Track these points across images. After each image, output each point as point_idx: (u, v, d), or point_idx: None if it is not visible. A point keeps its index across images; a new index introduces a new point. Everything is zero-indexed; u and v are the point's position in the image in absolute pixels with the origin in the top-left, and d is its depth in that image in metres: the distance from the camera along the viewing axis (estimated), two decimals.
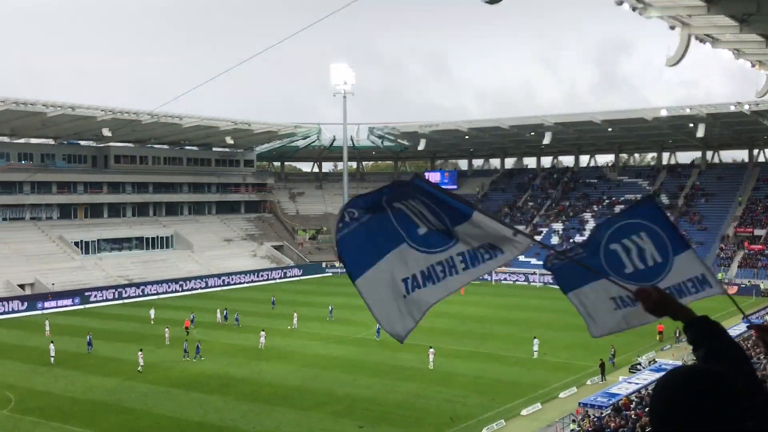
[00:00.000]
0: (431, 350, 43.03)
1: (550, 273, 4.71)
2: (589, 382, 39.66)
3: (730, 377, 2.44)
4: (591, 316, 4.58)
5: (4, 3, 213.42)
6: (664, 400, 2.38)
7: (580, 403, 34.24)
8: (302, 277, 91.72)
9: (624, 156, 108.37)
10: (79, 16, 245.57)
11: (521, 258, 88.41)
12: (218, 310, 61.30)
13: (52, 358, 45.31)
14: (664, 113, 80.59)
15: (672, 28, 39.18)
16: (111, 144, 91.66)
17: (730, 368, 2.70)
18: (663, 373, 2.55)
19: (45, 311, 66.02)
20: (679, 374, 2.44)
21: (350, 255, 4.29)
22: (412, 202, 4.14)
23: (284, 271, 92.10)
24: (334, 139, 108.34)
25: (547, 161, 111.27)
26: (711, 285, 4.34)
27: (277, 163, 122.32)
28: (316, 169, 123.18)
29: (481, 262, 4.24)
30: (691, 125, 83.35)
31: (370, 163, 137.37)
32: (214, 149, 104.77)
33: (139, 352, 44.13)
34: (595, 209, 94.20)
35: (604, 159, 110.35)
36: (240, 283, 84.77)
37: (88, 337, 50.04)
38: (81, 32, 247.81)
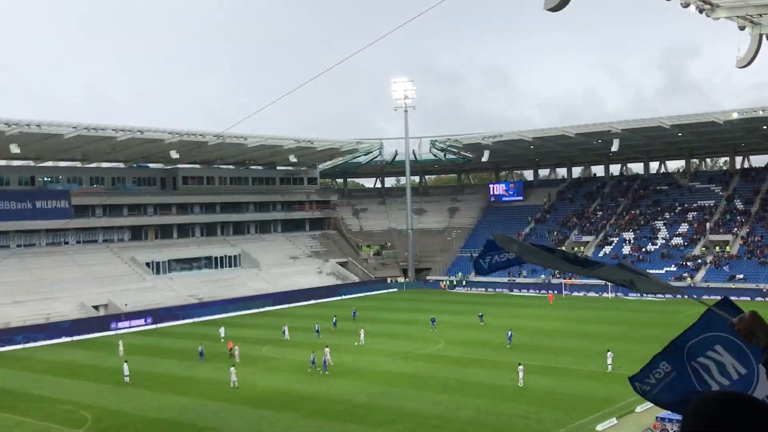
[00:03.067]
0: (520, 367, 42.11)
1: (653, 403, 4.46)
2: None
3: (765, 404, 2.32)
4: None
5: (69, 30, 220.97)
6: (701, 425, 2.27)
7: (657, 418, 33.06)
8: (368, 293, 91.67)
9: (695, 161, 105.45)
10: (140, 39, 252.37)
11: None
12: (284, 327, 61.55)
13: (127, 378, 46.08)
14: (735, 116, 78.14)
15: (742, 28, 37.91)
16: (179, 166, 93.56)
17: None
18: (697, 397, 2.44)
19: (118, 331, 67.44)
20: (715, 399, 2.34)
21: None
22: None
23: (349, 287, 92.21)
24: (396, 154, 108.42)
25: (615, 169, 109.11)
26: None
27: (339, 180, 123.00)
28: (378, 185, 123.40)
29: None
30: (765, 127, 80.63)
31: (433, 176, 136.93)
32: (278, 168, 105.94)
33: (232, 369, 44.59)
34: (667, 217, 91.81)
35: (675, 165, 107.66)
36: (306, 300, 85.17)
37: (199, 348, 53.06)
38: (142, 56, 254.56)
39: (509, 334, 54.57)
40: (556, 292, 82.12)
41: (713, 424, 2.24)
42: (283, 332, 61.25)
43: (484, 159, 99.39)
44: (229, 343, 55.06)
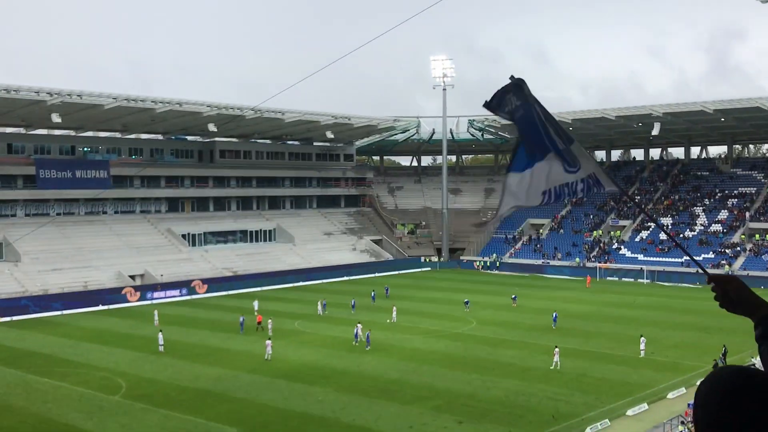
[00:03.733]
0: (556, 350, 41.91)
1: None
2: (698, 383, 37.87)
3: None
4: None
5: (111, 1, 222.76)
6: (714, 401, 2.24)
7: (689, 405, 32.74)
8: (401, 272, 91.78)
9: (737, 147, 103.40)
10: (180, 11, 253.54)
11: (628, 254, 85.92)
12: (319, 302, 61.91)
13: (161, 347, 46.76)
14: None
15: None
16: (216, 139, 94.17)
17: None
18: (711, 372, 2.38)
19: (154, 301, 68.42)
20: (730, 374, 2.29)
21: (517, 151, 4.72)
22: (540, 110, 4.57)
23: (383, 264, 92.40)
24: (433, 133, 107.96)
25: (655, 153, 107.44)
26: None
27: (376, 157, 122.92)
28: (414, 163, 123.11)
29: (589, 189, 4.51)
30: None
31: (470, 156, 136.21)
32: (314, 144, 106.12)
33: (268, 342, 45.07)
34: (707, 203, 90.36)
35: (717, 150, 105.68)
36: (340, 276, 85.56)
37: (240, 319, 54.28)
38: (182, 29, 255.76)
39: (554, 315, 54.51)
40: (590, 276, 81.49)
41: (726, 398, 2.22)
42: (323, 305, 61.59)
43: None
44: (258, 317, 55.45)
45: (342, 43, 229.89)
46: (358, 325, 50.14)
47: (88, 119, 78.84)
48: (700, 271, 60.23)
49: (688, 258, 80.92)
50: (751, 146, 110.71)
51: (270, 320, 53.35)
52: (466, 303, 62.26)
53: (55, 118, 70.94)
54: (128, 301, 68.23)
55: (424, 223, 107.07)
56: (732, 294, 2.95)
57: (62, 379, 40.39)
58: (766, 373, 2.32)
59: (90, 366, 43.37)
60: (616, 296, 69.17)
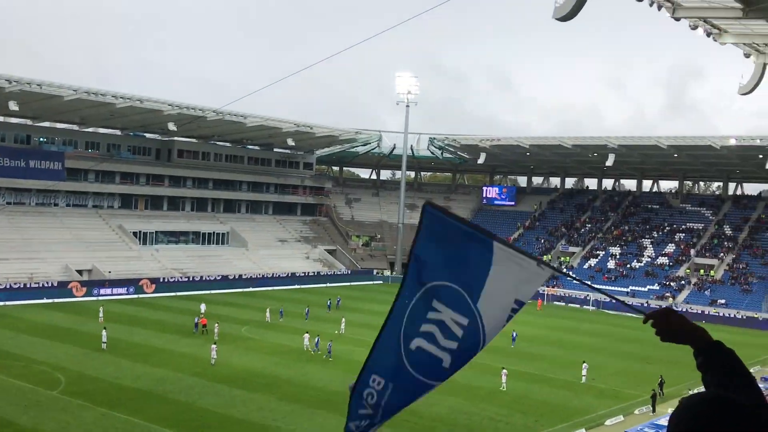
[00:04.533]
0: (504, 371, 42.24)
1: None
2: (637, 412, 38.71)
3: (745, 405, 2.36)
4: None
5: None
6: (688, 427, 2.29)
7: None
8: (353, 283, 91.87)
9: (688, 183, 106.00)
10: (147, 9, 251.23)
11: (573, 281, 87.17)
12: (268, 309, 61.71)
13: (104, 344, 46.17)
14: (733, 142, 78.63)
15: (747, 56, 38.22)
16: (175, 138, 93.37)
17: (742, 397, 2.59)
18: (682, 398, 2.46)
19: (100, 298, 67.47)
20: (701, 401, 2.35)
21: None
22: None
23: (335, 275, 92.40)
24: (393, 147, 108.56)
25: (608, 183, 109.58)
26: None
27: (335, 168, 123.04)
28: (373, 176, 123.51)
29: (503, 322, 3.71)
30: (761, 156, 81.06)
31: (429, 173, 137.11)
32: (275, 150, 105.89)
33: (213, 346, 44.68)
34: (655, 236, 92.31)
35: (668, 185, 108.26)
36: (291, 284, 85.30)
37: (195, 319, 54.49)
38: (149, 27, 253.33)
39: (513, 335, 55.18)
40: (541, 299, 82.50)
41: (699, 424, 2.28)
42: (280, 313, 62.04)
43: (480, 161, 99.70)
44: (203, 320, 54.98)
45: (310, 52, 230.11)
46: (306, 334, 50.13)
47: (46, 110, 77.61)
48: (639, 307, 60.80)
49: (633, 288, 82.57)
50: (702, 183, 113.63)
51: (217, 324, 52.98)
52: None
53: (12, 106, 69.76)
54: (74, 296, 67.16)
55: (379, 236, 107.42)
56: (673, 326, 3.03)
57: (0, 370, 39.61)
58: (739, 401, 2.40)
59: (30, 359, 42.63)
60: (562, 321, 70.15)
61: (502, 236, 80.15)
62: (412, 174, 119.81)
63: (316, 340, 49.35)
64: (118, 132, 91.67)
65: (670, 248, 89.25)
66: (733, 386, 2.69)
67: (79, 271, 72.65)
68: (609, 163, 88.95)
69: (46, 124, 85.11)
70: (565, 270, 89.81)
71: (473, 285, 3.59)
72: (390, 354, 3.76)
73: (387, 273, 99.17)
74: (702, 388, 2.74)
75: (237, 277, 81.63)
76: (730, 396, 2.46)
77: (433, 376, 3.73)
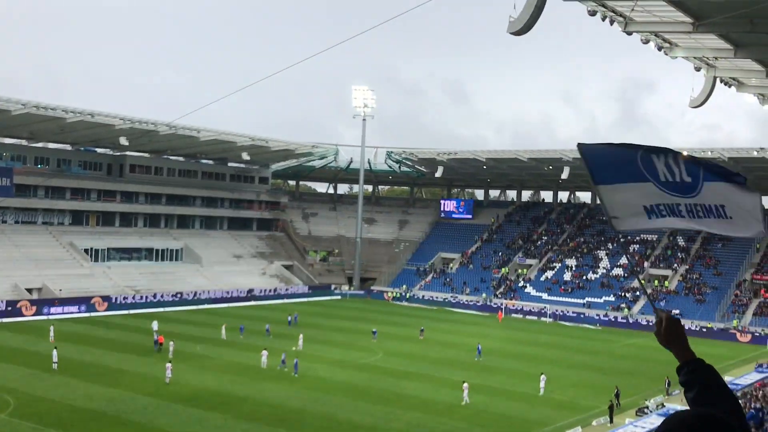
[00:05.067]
0: (465, 385, 41.88)
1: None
2: (594, 423, 38.82)
3: (733, 423, 2.50)
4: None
5: (22, 3, 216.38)
6: None
7: None
8: (311, 299, 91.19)
9: None
10: (97, 21, 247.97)
11: (532, 292, 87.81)
12: (223, 326, 60.83)
13: (55, 365, 44.95)
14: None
15: (698, 69, 38.85)
16: (127, 153, 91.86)
17: (722, 413, 2.70)
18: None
19: (51, 317, 65.85)
20: (686, 417, 2.47)
21: (595, 164, 4.62)
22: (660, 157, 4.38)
23: (292, 290, 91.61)
24: (351, 161, 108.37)
25: (564, 196, 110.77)
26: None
27: (291, 182, 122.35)
28: (330, 190, 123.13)
29: (716, 218, 4.27)
30: None
31: (386, 187, 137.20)
32: (229, 164, 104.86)
33: (168, 365, 43.68)
34: (610, 247, 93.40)
35: None
36: (247, 300, 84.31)
37: (155, 337, 50.02)
38: (99, 38, 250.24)
39: (478, 347, 55.37)
40: (502, 311, 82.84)
41: None
42: (240, 329, 61.41)
43: (438, 174, 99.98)
44: (159, 338, 54.10)
45: (265, 65, 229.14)
46: (264, 351, 49.48)
47: None
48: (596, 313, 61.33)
49: (589, 299, 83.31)
50: None
51: (171, 342, 52.04)
52: (374, 333, 62.26)
53: None
54: (23, 315, 65.43)
55: (336, 250, 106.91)
56: (673, 330, 3.24)
57: None
58: (725, 417, 2.53)
59: None
60: (519, 333, 70.41)
61: (460, 249, 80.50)
62: (370, 188, 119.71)
63: (283, 356, 48.78)
64: (68, 147, 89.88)
65: (625, 260, 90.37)
66: (713, 400, 2.86)
67: (29, 290, 70.84)
68: (564, 176, 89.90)
69: None
70: (523, 282, 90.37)
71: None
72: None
73: (345, 288, 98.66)
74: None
75: (192, 294, 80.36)
76: (719, 414, 2.58)
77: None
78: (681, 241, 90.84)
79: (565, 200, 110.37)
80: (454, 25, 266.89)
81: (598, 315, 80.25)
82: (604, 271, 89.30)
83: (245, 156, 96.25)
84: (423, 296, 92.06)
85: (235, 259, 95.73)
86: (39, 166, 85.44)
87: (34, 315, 66.02)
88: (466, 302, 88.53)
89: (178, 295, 78.76)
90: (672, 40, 33.73)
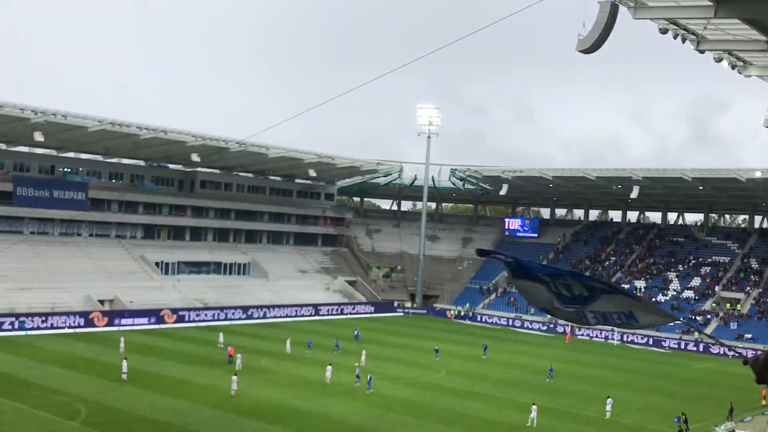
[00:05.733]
0: (534, 407, 41.30)
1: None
2: None
3: None
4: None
5: (95, 24, 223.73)
6: None
7: None
8: (373, 315, 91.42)
9: (714, 216, 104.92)
10: (170, 42, 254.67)
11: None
12: (287, 341, 61.42)
13: (125, 375, 46.06)
14: (758, 175, 77.73)
15: None
16: (198, 169, 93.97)
17: None
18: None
19: (121, 328, 67.53)
20: None
21: (513, 269, 5.30)
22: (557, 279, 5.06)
23: (356, 306, 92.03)
24: (415, 179, 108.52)
25: (633, 216, 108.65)
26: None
27: (356, 199, 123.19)
28: (394, 207, 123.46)
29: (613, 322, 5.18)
30: None
31: (450, 204, 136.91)
32: (296, 181, 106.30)
33: (234, 377, 44.38)
34: (680, 269, 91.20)
35: (693, 218, 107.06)
36: (311, 315, 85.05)
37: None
38: (169, 56, 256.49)
39: (551, 368, 54.95)
40: (569, 332, 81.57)
41: None
42: (308, 344, 62.18)
43: (503, 192, 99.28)
44: (229, 350, 55.01)
45: (330, 83, 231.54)
46: (329, 366, 49.82)
47: (70, 140, 78.50)
48: (675, 332, 59.98)
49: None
50: (727, 216, 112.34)
51: (240, 355, 52.85)
52: (437, 351, 62.01)
53: (38, 137, 70.56)
54: (95, 326, 67.27)
55: (399, 267, 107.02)
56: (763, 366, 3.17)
57: (21, 400, 39.57)
58: None
59: (50, 389, 42.57)
60: (586, 355, 69.20)
61: None
62: (433, 205, 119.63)
63: (357, 371, 49.66)
64: (141, 163, 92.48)
65: (696, 281, 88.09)
66: None
67: (101, 301, 72.86)
68: (633, 195, 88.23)
69: (71, 154, 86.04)
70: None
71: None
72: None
73: (408, 305, 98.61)
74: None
75: (257, 306, 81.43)
76: None
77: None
78: (754, 264, 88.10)
79: (634, 220, 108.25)
80: (521, 44, 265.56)
81: (666, 339, 78.30)
82: (674, 293, 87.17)
83: (312, 173, 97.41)
84: (486, 315, 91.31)
85: (301, 274, 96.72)
86: (113, 181, 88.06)
87: (105, 326, 67.80)
88: (531, 323, 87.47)
89: (245, 309, 79.88)
90: (746, 59, 32.95)
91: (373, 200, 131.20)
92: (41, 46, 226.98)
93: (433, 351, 62.35)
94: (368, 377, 47.86)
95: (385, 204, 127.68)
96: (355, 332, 69.88)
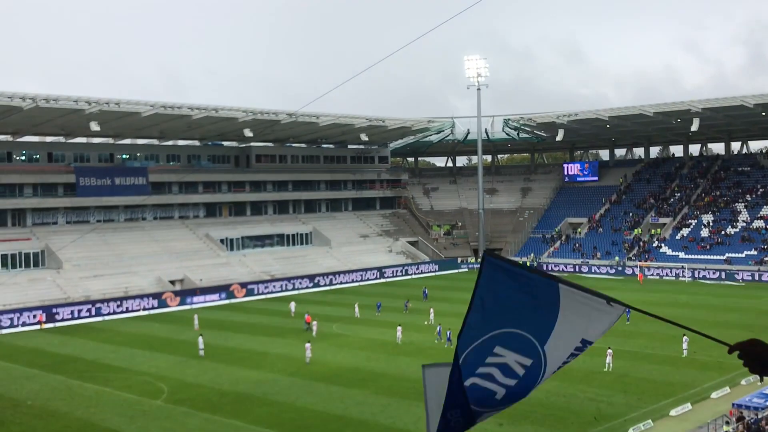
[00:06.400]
0: (609, 351, 41.15)
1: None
2: (743, 382, 37.20)
3: None
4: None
5: (139, 6, 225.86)
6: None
7: (733, 404, 32.19)
8: (438, 273, 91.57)
9: None
10: (210, 17, 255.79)
11: (668, 252, 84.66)
12: (356, 305, 61.99)
13: (201, 351, 47.17)
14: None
15: None
16: (252, 144, 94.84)
17: None
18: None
19: (194, 305, 69.09)
20: None
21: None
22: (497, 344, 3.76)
23: (420, 266, 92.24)
24: (468, 133, 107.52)
25: (695, 149, 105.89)
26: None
27: (410, 159, 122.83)
28: (449, 164, 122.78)
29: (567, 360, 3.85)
30: None
31: (506, 156, 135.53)
32: (349, 146, 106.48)
33: (307, 345, 45.14)
34: (749, 199, 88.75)
35: (758, 145, 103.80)
36: (376, 278, 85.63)
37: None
38: (211, 34, 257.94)
39: (628, 311, 54.17)
40: (644, 272, 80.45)
41: None
42: (377, 307, 62.45)
43: (559, 138, 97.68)
44: (307, 317, 55.77)
45: (372, 45, 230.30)
46: (399, 327, 50.24)
47: (125, 127, 79.91)
48: (740, 274, 58.26)
49: (730, 255, 79.56)
50: None
51: (315, 322, 53.73)
52: None
53: (94, 127, 72.00)
54: (168, 306, 68.95)
55: (460, 223, 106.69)
56: (763, 356, 3.11)
57: (105, 384, 40.94)
58: None
59: (132, 371, 43.91)
60: (657, 295, 68.19)
61: (588, 213, 78.72)
62: (489, 158, 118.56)
63: (438, 329, 50.00)
64: (196, 142, 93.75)
65: (766, 210, 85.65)
66: None
67: (172, 282, 74.57)
68: (694, 128, 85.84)
69: (127, 141, 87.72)
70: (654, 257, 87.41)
71: (542, 329, 3.67)
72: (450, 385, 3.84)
73: (471, 260, 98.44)
74: None
75: (324, 275, 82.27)
76: None
77: (485, 405, 3.87)
78: None
79: (696, 153, 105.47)
80: None
81: (740, 272, 76.60)
82: (744, 224, 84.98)
83: (364, 137, 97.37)
84: (552, 263, 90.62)
85: (362, 239, 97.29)
86: (171, 163, 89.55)
87: (178, 305, 69.44)
88: (598, 267, 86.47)
89: (311, 277, 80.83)
90: None
91: (428, 159, 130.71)
92: (85, 37, 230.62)
93: None
94: (447, 333, 48.12)
95: (440, 162, 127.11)
96: (424, 291, 70.20)
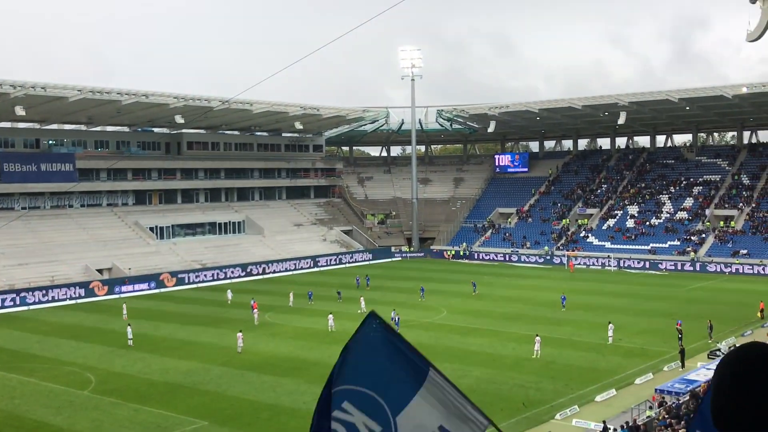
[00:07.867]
0: (537, 338, 42.03)
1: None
2: (666, 369, 38.54)
3: None
4: None
5: None
6: (735, 374, 2.38)
7: (656, 390, 33.34)
8: (372, 262, 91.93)
9: (702, 135, 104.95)
10: (143, 3, 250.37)
11: (595, 242, 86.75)
12: (290, 294, 61.83)
13: (130, 341, 46.41)
14: (744, 90, 77.55)
15: (753, 2, 37.54)
16: (183, 131, 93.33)
17: None
18: (735, 347, 2.56)
19: (122, 295, 67.84)
20: (751, 348, 2.43)
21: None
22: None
23: (354, 255, 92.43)
24: (402, 123, 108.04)
25: (622, 142, 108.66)
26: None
27: (345, 148, 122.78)
28: (384, 153, 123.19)
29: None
30: None
31: (439, 146, 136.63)
32: (283, 135, 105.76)
33: (239, 334, 44.87)
34: (672, 191, 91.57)
35: (682, 139, 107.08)
36: (310, 267, 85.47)
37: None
38: (141, 18, 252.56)
39: (563, 297, 55.81)
40: (574, 261, 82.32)
41: (747, 368, 2.36)
42: (309, 296, 62.31)
43: (490, 129, 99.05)
44: (253, 304, 55.26)
45: (308, 34, 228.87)
46: (330, 315, 50.31)
47: (52, 112, 77.70)
48: (665, 261, 59.99)
49: (654, 245, 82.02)
50: (716, 134, 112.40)
51: (256, 311, 53.56)
52: (474, 285, 64.94)
53: (19, 111, 69.86)
54: (96, 296, 67.54)
55: (394, 213, 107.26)
56: None
57: (30, 374, 39.96)
58: None
59: (58, 361, 42.95)
60: (584, 284, 69.87)
61: (518, 204, 79.91)
62: (423, 148, 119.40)
63: (392, 314, 49.86)
64: (126, 129, 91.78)
65: (689, 202, 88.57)
66: None
67: (100, 270, 73.03)
68: (621, 121, 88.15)
69: (54, 126, 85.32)
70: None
71: (397, 399, 3.53)
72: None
73: (405, 249, 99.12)
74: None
75: (256, 264, 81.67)
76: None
77: None
78: (745, 179, 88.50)
79: (623, 146, 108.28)
80: None
81: (663, 261, 79.09)
82: (668, 215, 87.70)
83: (298, 125, 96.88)
84: (483, 253, 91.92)
85: (296, 228, 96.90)
86: (99, 149, 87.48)
87: (106, 294, 68.09)
88: (527, 256, 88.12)
89: (243, 266, 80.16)
90: None
91: (363, 148, 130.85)
92: (9, 19, 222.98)
93: (435, 293, 62.83)
94: (396, 318, 48.96)
95: (375, 151, 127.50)
96: (367, 278, 70.22)
